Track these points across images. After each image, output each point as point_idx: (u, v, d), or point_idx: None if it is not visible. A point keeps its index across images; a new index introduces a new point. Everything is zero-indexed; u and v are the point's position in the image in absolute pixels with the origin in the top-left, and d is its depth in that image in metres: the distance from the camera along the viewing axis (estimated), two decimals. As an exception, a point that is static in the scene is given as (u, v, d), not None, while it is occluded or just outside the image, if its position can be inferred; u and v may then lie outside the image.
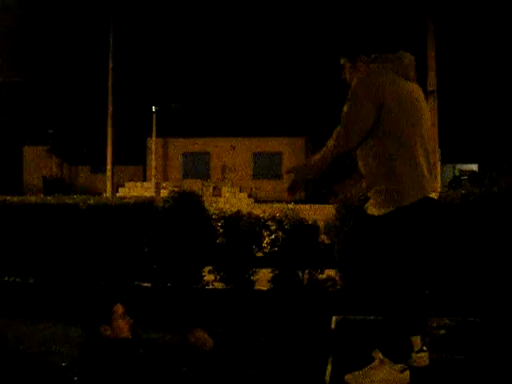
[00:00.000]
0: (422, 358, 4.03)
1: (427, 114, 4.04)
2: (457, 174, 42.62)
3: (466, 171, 42.34)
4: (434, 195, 3.92)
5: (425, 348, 4.07)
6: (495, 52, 38.69)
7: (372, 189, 3.92)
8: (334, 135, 3.94)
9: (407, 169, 3.81)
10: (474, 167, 44.54)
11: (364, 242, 4.02)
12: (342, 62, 4.18)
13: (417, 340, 4.05)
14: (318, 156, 4.00)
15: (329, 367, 4.06)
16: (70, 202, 9.09)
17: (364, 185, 4.05)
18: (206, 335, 4.42)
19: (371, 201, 3.96)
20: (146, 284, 8.76)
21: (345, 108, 3.90)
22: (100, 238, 8.75)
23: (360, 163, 4.03)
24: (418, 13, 23.32)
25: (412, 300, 3.91)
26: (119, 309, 4.02)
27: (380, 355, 3.86)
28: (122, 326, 3.97)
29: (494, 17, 36.25)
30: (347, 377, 3.78)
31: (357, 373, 3.80)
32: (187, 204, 8.69)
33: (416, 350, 4.03)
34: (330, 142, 3.96)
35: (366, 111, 3.80)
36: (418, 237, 3.86)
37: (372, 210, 3.93)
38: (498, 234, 7.34)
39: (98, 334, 3.92)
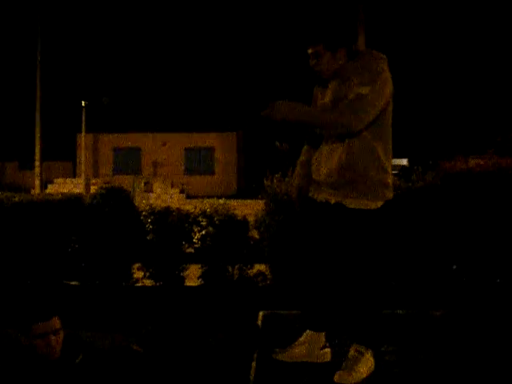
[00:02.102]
0: (325, 354, 4.07)
1: None
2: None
3: (396, 166, 43.13)
4: None
5: (327, 344, 4.09)
6: (425, 48, 39.52)
7: (361, 180, 3.74)
8: (339, 111, 3.68)
9: (390, 163, 3.85)
10: (404, 162, 45.40)
11: (342, 237, 3.89)
12: (312, 50, 3.92)
13: (321, 336, 4.07)
14: (306, 110, 3.76)
15: (253, 364, 4.05)
16: (-6, 199, 8.85)
17: (335, 177, 3.81)
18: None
19: (356, 193, 3.76)
20: (74, 282, 8.61)
21: (366, 89, 3.68)
22: (26, 235, 8.55)
23: (340, 153, 3.77)
24: (347, 5, 23.57)
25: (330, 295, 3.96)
26: (55, 324, 3.67)
27: (356, 347, 3.87)
28: (52, 344, 3.65)
29: (425, 14, 37.07)
30: (336, 379, 3.74)
31: (341, 372, 3.76)
32: (115, 200, 8.57)
33: (320, 346, 4.06)
34: (329, 114, 3.72)
35: (386, 98, 3.76)
36: (385, 231, 3.91)
37: (363, 203, 3.77)
38: (422, 226, 7.50)
39: (18, 343, 3.67)
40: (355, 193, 3.78)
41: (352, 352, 3.89)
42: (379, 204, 3.78)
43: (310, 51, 3.93)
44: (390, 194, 3.81)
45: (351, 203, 3.78)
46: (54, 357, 3.52)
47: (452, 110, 42.62)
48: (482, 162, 8.41)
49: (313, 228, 3.99)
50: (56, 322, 3.54)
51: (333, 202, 3.83)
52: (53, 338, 3.49)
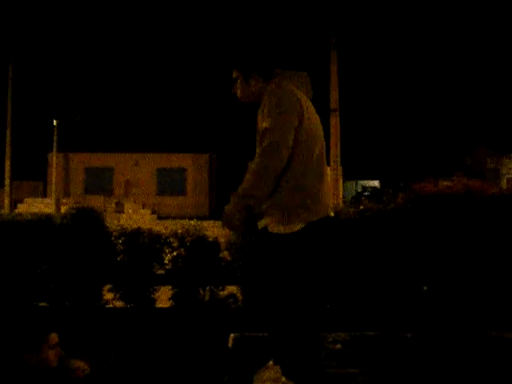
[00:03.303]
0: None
1: (322, 131, 4.02)
2: (359, 190, 43.51)
3: (368, 187, 43.36)
4: (331, 213, 3.94)
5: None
6: (395, 72, 39.93)
7: (276, 205, 3.80)
8: (261, 153, 3.67)
9: (316, 185, 3.82)
10: (376, 183, 45.69)
11: (266, 260, 3.91)
12: (234, 75, 4.03)
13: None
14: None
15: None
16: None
17: (265, 202, 3.83)
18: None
19: (275, 218, 3.81)
20: (42, 303, 8.49)
21: (268, 124, 3.69)
22: (-6, 256, 8.43)
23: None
24: (321, 32, 23.80)
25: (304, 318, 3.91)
26: (54, 339, 3.74)
27: (283, 379, 3.83)
28: (52, 356, 3.70)
29: (395, 39, 37.52)
30: None
31: None
32: (86, 220, 8.50)
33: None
34: (251, 175, 3.70)
35: (292, 125, 3.71)
36: (320, 252, 3.85)
37: (278, 227, 3.79)
38: (393, 248, 7.54)
39: (22, 362, 3.64)
40: (274, 218, 3.80)
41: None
42: (297, 227, 3.75)
43: (233, 76, 4.04)
44: (311, 217, 3.77)
45: (272, 228, 3.82)
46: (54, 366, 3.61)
47: (423, 133, 43.06)
48: (451, 184, 8.49)
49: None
50: (55, 335, 3.66)
51: (261, 227, 3.86)
52: (59, 348, 3.62)
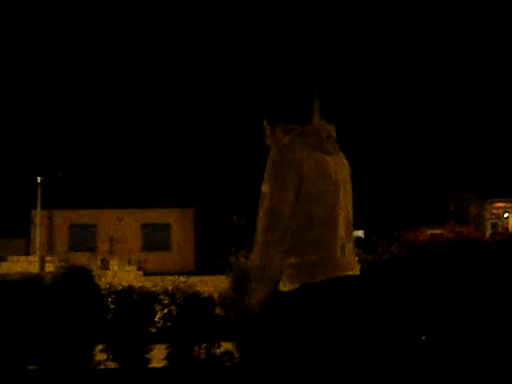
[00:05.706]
0: None
1: (348, 187, 3.76)
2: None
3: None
4: (351, 272, 3.75)
5: None
6: (373, 121, 40.39)
7: (288, 265, 3.70)
8: (262, 220, 3.54)
9: (320, 246, 3.65)
10: (360, 233, 45.73)
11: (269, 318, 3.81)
12: (264, 123, 4.00)
13: None
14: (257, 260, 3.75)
15: None
16: None
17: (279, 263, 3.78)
18: None
19: (285, 277, 3.74)
20: (32, 367, 8.25)
21: (265, 188, 3.62)
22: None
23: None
24: (302, 80, 24.01)
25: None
26: None
27: None
28: None
29: (375, 88, 38.09)
30: None
31: None
32: (77, 280, 8.35)
33: None
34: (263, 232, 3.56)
35: (290, 186, 3.56)
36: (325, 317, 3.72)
37: (280, 285, 3.73)
38: (390, 298, 7.46)
39: None
40: (284, 276, 3.71)
41: None
42: (289, 287, 3.53)
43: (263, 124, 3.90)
44: (311, 278, 3.50)
45: (281, 286, 3.78)
46: None
47: (404, 180, 43.41)
48: (443, 232, 8.50)
49: None
50: None
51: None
52: None
